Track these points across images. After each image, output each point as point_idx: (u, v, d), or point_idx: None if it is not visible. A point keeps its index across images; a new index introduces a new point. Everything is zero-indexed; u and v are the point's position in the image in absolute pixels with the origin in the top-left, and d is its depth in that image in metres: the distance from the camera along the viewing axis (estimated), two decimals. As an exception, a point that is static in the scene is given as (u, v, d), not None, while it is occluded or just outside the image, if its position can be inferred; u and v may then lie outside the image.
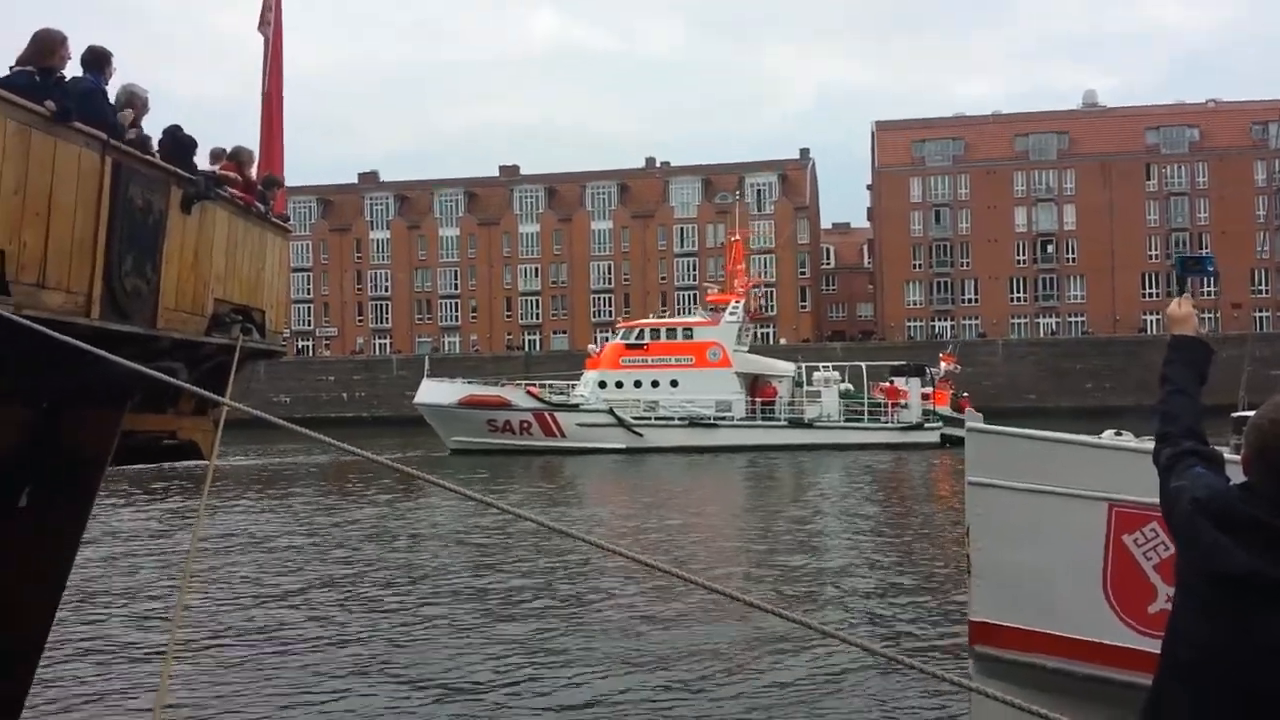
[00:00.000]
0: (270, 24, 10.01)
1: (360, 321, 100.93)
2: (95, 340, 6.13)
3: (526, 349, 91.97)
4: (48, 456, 7.12)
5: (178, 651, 10.77)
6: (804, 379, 50.30)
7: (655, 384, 49.55)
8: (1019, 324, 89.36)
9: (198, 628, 13.55)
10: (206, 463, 8.64)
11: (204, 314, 8.00)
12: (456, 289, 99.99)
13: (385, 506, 27.39)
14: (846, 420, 48.72)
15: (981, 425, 7.33)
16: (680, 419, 48.66)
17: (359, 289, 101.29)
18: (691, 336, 50.97)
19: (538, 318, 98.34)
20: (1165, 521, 2.68)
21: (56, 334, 5.44)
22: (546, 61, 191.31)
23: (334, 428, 65.98)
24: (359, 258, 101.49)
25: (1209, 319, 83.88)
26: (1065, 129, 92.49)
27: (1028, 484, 6.83)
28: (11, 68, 6.53)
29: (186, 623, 13.07)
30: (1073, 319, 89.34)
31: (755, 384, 50.50)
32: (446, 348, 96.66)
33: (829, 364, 52.64)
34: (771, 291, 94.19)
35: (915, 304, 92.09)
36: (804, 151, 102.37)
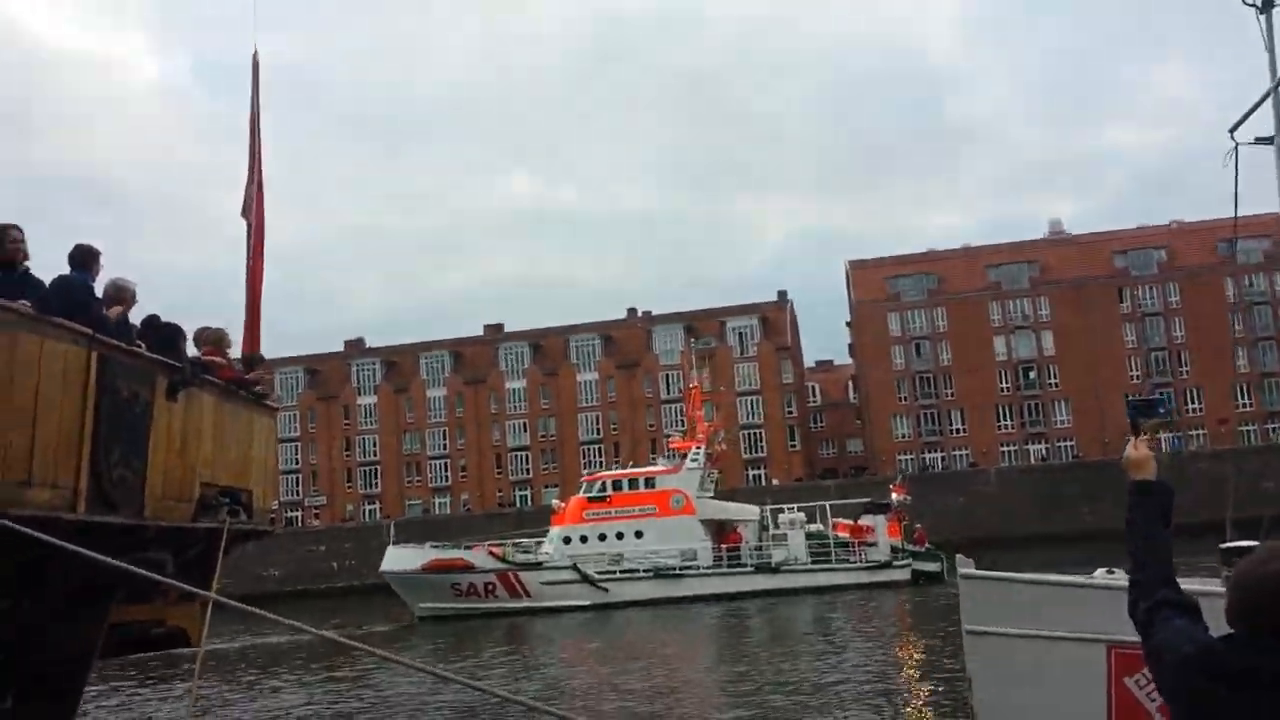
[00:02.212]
0: (252, 210, 10.30)
1: (349, 488, 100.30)
2: (81, 534, 6.11)
3: (518, 505, 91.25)
4: (32, 655, 7.00)
5: None
6: (770, 522, 49.10)
7: (620, 535, 48.50)
8: (1009, 451, 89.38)
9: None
10: (196, 649, 8.51)
11: (191, 499, 7.99)
12: (445, 449, 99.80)
13: (369, 682, 26.67)
14: (814, 562, 47.30)
15: (974, 571, 7.19)
16: (645, 570, 47.32)
17: (347, 455, 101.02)
18: (654, 485, 50.11)
19: (528, 472, 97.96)
20: (1153, 677, 2.66)
21: (41, 534, 5.42)
22: (525, 221, 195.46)
23: (325, 599, 64.84)
24: (347, 424, 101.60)
25: (1196, 436, 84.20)
26: (1035, 258, 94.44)
27: (1025, 629, 6.66)
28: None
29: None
30: (1061, 444, 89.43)
31: (721, 529, 49.47)
32: (437, 508, 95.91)
33: (796, 505, 50.96)
34: (760, 433, 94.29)
35: (904, 436, 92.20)
36: (781, 294, 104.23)
